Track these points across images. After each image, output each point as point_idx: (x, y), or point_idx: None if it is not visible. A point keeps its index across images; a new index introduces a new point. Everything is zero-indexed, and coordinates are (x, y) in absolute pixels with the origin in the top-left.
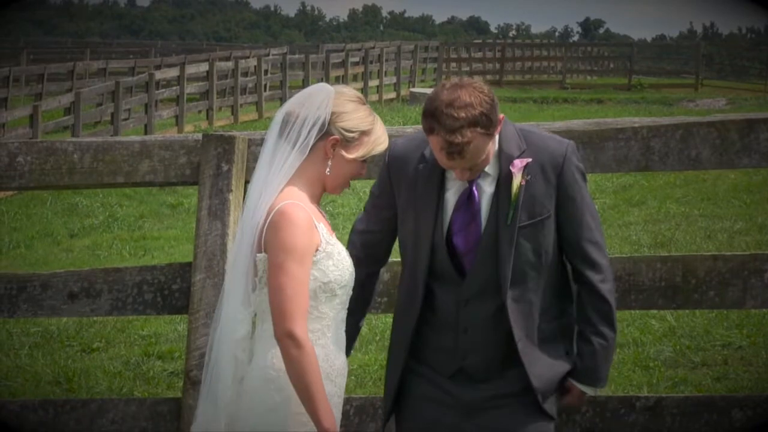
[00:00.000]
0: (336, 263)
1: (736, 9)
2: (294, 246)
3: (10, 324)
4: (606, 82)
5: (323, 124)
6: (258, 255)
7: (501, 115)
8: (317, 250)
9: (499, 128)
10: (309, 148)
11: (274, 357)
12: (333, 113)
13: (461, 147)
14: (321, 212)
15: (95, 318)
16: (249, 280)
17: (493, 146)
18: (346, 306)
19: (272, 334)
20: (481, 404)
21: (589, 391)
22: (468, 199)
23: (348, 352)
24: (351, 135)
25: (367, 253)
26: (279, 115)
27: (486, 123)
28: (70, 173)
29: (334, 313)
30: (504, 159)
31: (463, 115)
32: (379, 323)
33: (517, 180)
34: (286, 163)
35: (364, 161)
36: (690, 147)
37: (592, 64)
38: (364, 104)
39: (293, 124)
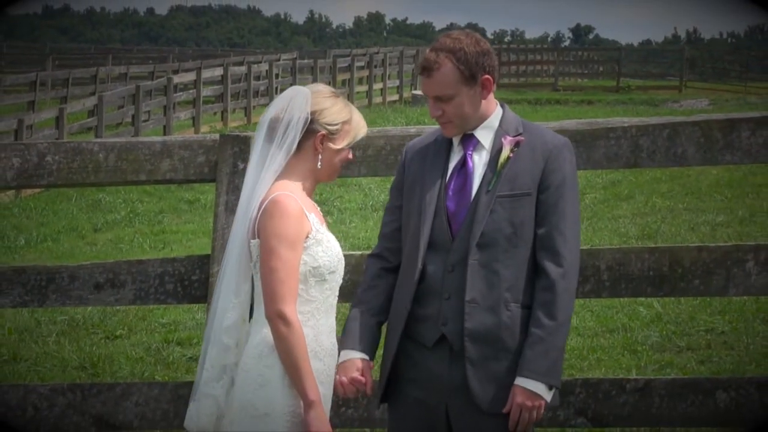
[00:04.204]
0: (325, 249)
1: (718, 15)
2: (285, 233)
3: (38, 313)
4: (596, 85)
5: (305, 123)
6: (252, 241)
7: (487, 76)
8: (307, 237)
9: (485, 91)
10: (295, 147)
11: (266, 336)
12: (314, 112)
13: (430, 65)
14: (313, 204)
15: (118, 307)
16: (242, 271)
17: (476, 109)
18: (336, 293)
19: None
20: (462, 382)
21: (530, 385)
22: (462, 167)
23: (373, 350)
24: (334, 127)
25: (383, 247)
26: (265, 121)
27: (463, 59)
28: (95, 172)
29: (324, 297)
30: (499, 135)
31: (448, 42)
32: None
33: (505, 152)
34: (275, 162)
35: (350, 147)
36: (676, 145)
37: (582, 67)
38: (338, 97)
39: (278, 127)
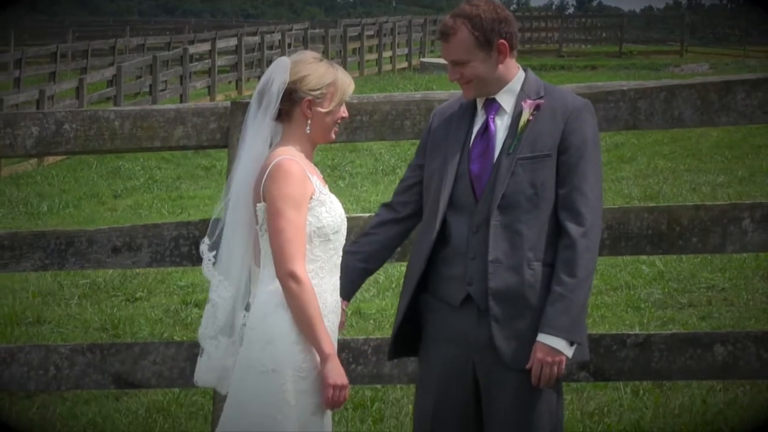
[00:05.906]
0: (328, 210)
1: None
2: (291, 194)
3: (61, 276)
4: (599, 50)
5: (281, 92)
6: (258, 205)
7: (503, 41)
8: (311, 198)
9: (502, 56)
10: (275, 114)
11: (271, 295)
12: (295, 81)
13: (447, 30)
14: (314, 167)
15: (138, 270)
16: (237, 235)
17: (492, 73)
18: (340, 253)
19: (272, 276)
20: (488, 340)
21: (550, 341)
22: (485, 131)
23: (350, 293)
24: (318, 92)
25: (395, 200)
26: (256, 91)
27: (478, 25)
28: (111, 139)
29: (328, 256)
30: (521, 99)
31: (466, 9)
32: (394, 272)
33: (525, 115)
34: (263, 130)
35: (341, 106)
36: (673, 107)
37: (585, 34)
38: (321, 61)
39: (265, 97)
